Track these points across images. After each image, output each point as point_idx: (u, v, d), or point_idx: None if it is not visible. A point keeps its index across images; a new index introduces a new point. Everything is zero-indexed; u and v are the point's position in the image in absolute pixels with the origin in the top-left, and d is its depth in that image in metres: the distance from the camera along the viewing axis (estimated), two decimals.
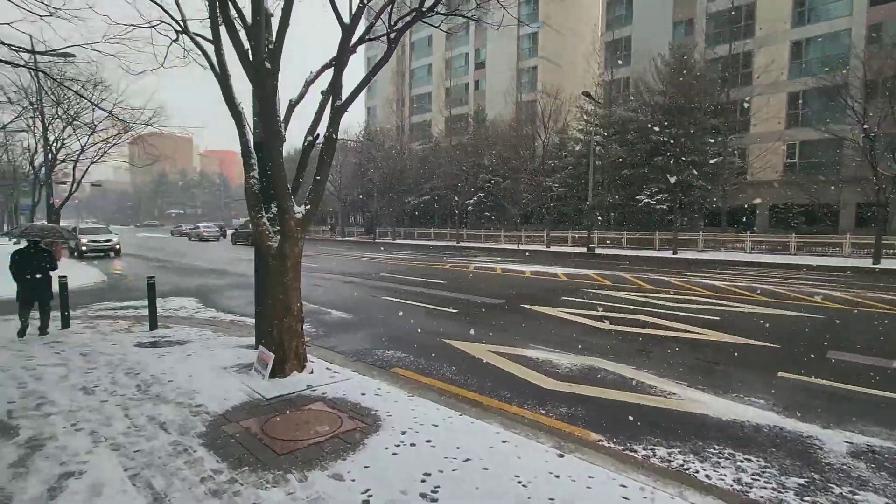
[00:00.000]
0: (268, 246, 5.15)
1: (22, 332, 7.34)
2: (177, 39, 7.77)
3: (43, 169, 21.01)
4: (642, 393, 5.19)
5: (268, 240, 5.18)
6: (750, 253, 24.24)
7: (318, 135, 5.77)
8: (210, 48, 5.81)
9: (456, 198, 36.38)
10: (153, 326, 7.97)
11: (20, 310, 7.41)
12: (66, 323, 7.98)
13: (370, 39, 6.26)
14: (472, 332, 7.99)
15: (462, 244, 35.16)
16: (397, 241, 40.37)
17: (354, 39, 5.60)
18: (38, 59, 7.66)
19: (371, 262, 20.90)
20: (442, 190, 37.94)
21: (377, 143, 43.18)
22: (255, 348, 6.59)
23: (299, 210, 5.19)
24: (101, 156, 20.79)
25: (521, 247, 31.74)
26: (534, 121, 34.95)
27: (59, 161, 20.37)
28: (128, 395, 4.61)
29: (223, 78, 5.47)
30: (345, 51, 5.49)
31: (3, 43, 7.56)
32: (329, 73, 6.74)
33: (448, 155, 38.61)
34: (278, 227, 5.36)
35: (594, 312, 9.36)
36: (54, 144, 20.09)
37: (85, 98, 9.10)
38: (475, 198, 37.21)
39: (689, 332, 7.85)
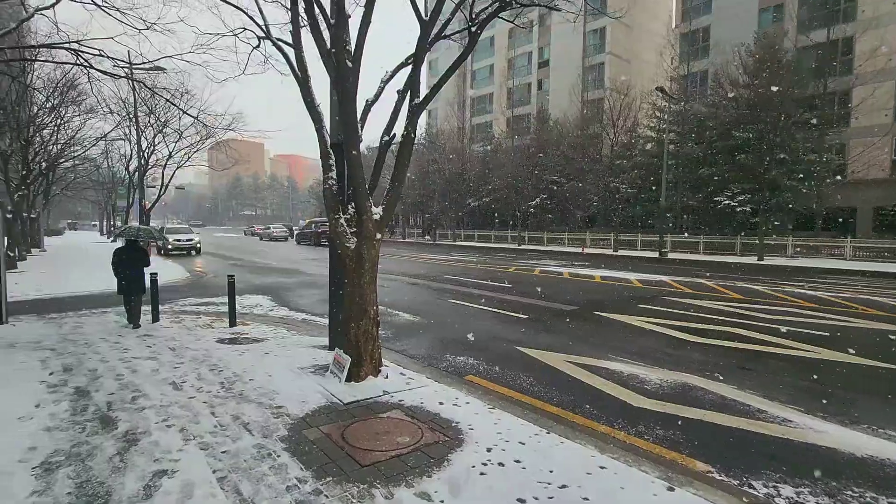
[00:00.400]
0: (345, 247, 5.09)
1: (134, 324, 8.09)
2: (258, 46, 8.01)
3: (136, 173, 22.89)
4: (750, 418, 4.60)
5: (345, 241, 5.11)
6: (851, 260, 21.78)
7: (394, 134, 5.66)
8: (291, 52, 5.90)
9: (517, 199, 35.77)
10: (232, 323, 8.26)
11: (125, 302, 8.17)
12: (155, 317, 8.47)
13: (447, 36, 6.08)
14: (545, 339, 7.60)
15: (523, 247, 34.49)
16: (457, 243, 40.33)
17: (432, 35, 5.44)
18: (135, 72, 8.13)
19: (433, 264, 20.89)
20: (502, 191, 37.45)
21: (438, 145, 43.40)
22: (328, 349, 6.61)
23: (377, 211, 5.08)
24: (186, 160, 22.31)
25: (587, 250, 30.58)
26: (601, 119, 33.64)
27: (149, 166, 22.09)
28: (213, 391, 4.69)
29: (303, 80, 5.50)
30: (423, 47, 5.33)
31: (107, 56, 8.17)
32: (403, 72, 6.66)
33: (509, 156, 38.06)
34: (355, 229, 5.29)
35: (679, 323, 8.64)
36: (146, 151, 21.80)
37: (175, 105, 9.66)
38: (537, 199, 36.37)
39: (794, 348, 6.99)
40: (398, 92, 6.02)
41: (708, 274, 17.35)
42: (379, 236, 5.10)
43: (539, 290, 12.84)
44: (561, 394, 5.27)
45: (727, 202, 25.76)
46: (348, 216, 5.41)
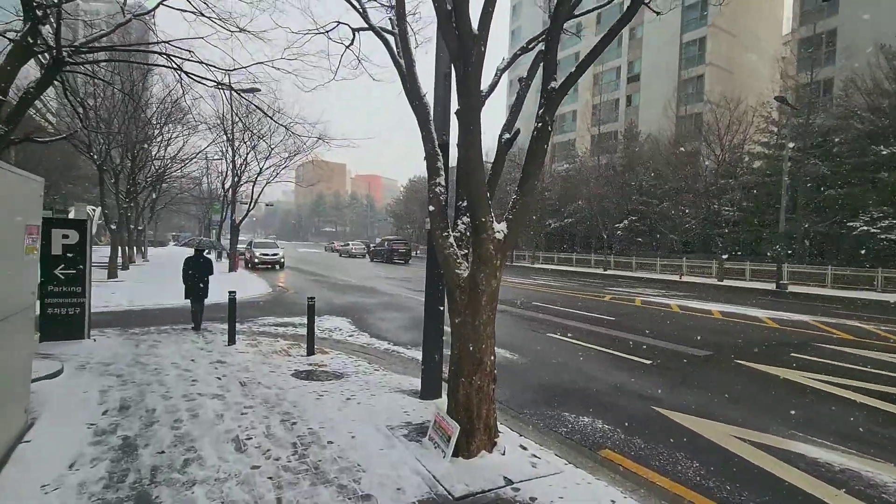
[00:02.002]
0: (454, 275, 3.87)
1: (196, 327, 9.06)
2: (352, 43, 7.26)
3: (230, 190, 23.80)
4: None
5: (455, 267, 3.90)
6: None
7: (517, 130, 4.42)
8: (391, 39, 4.94)
9: (603, 221, 33.31)
10: (310, 352, 7.37)
11: (192, 306, 9.13)
12: (232, 339, 7.80)
13: (593, 10, 4.79)
14: (689, 398, 5.87)
15: (609, 272, 31.84)
16: (535, 266, 38.37)
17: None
18: (227, 84, 7.67)
19: (517, 289, 19.36)
20: (586, 212, 35.15)
21: (517, 163, 42.03)
22: (420, 397, 5.41)
23: (499, 228, 3.82)
24: (275, 176, 22.81)
25: (685, 278, 27.44)
26: (700, 135, 30.54)
27: (241, 182, 22.84)
28: (283, 459, 3.60)
29: (408, 66, 4.46)
30: (560, 18, 4.06)
31: (200, 62, 7.80)
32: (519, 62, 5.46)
33: (594, 175, 35.76)
34: (466, 250, 4.08)
35: (866, 385, 6.48)
36: (239, 168, 22.56)
37: (268, 116, 9.22)
38: (625, 221, 33.66)
39: None
40: (520, 80, 4.81)
41: (849, 311, 14.25)
42: (501, 261, 3.83)
43: (650, 326, 10.91)
44: (752, 494, 3.61)
45: (866, 228, 21.81)
46: (458, 234, 4.20)
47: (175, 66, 7.28)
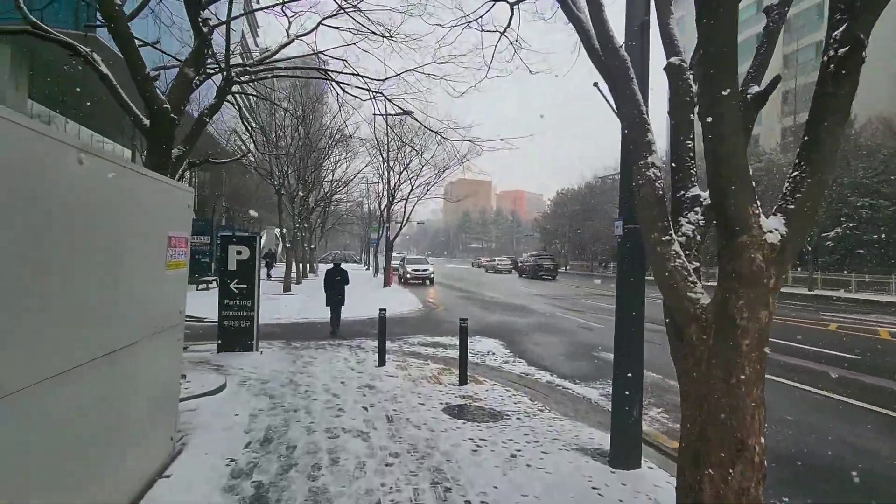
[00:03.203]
0: (688, 301, 2.47)
1: (333, 329, 10.32)
2: (508, 26, 6.33)
3: (385, 209, 25.04)
4: None
5: (686, 287, 2.50)
6: None
7: (776, 78, 2.86)
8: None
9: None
10: (462, 381, 6.44)
11: (331, 312, 10.40)
12: (382, 360, 7.30)
13: None
14: None
15: (816, 292, 25.51)
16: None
17: None
18: (381, 91, 7.34)
19: None
20: None
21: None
22: (606, 460, 3.99)
23: (771, 226, 2.31)
24: (425, 193, 23.29)
25: None
26: None
27: (395, 201, 23.83)
28: None
29: (595, 9, 3.24)
30: None
31: (355, 73, 7.66)
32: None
33: (784, 174, 29.37)
34: (696, 263, 2.64)
35: None
36: (394, 188, 23.58)
37: (419, 123, 8.79)
38: (836, 230, 26.82)
39: None
40: (768, 10, 3.21)
41: None
42: (775, 281, 2.31)
43: None
44: None
45: None
46: (683, 237, 2.78)
47: (330, 77, 7.18)
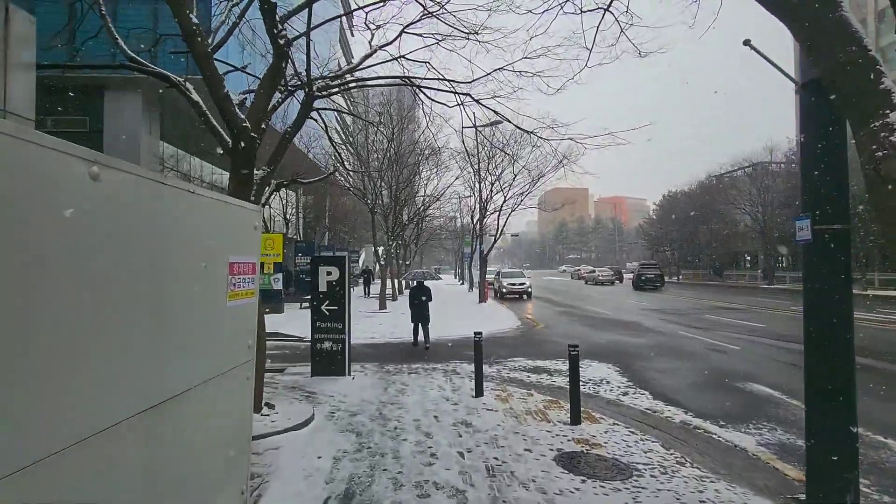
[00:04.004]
0: None
1: (415, 343, 10.68)
2: (611, 4, 5.36)
3: (478, 223, 24.47)
4: None
5: None
6: None
7: None
8: None
9: None
10: (575, 420, 5.41)
11: (413, 328, 10.70)
12: (479, 390, 6.51)
13: None
14: None
15: None
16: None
17: None
18: (469, 93, 6.71)
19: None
20: None
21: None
22: None
23: None
24: (519, 204, 22.33)
25: None
26: None
27: (488, 213, 23.16)
28: None
29: None
30: None
31: (440, 77, 7.13)
32: None
33: None
34: None
35: None
36: (486, 200, 22.95)
37: (518, 127, 8.03)
38: None
39: None
40: None
41: None
42: None
43: None
44: None
45: None
46: None
47: (414, 84, 6.71)
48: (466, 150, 18.78)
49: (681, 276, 47.97)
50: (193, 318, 2.53)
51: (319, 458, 4.22)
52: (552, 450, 4.65)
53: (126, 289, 1.99)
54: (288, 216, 21.24)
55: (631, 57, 7.64)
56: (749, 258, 44.61)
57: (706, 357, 9.51)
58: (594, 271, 47.05)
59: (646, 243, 58.14)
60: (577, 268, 66.80)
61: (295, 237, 23.06)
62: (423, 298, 10.32)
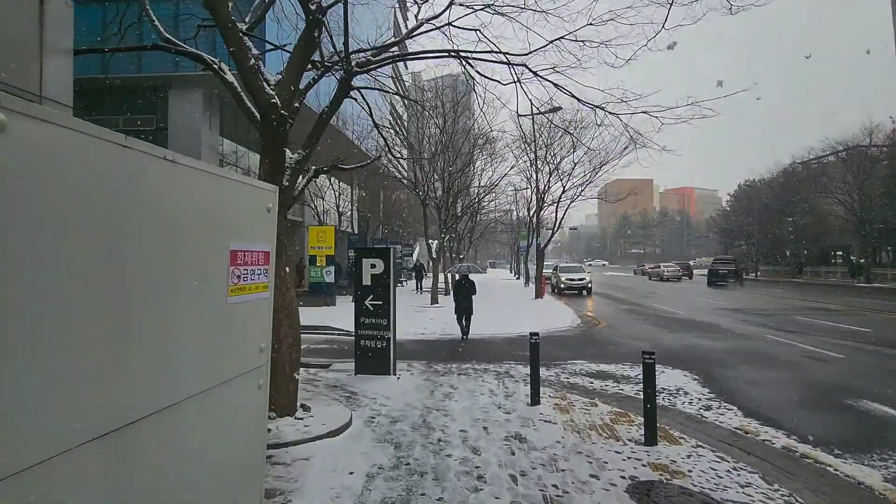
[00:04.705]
0: None
1: (463, 336, 10.76)
2: None
3: (534, 215, 23.42)
4: None
5: None
6: None
7: None
8: None
9: None
10: (650, 440, 4.59)
11: (457, 319, 10.79)
12: (535, 398, 5.80)
13: None
14: None
15: None
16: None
17: None
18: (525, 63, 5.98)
19: None
20: None
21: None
22: None
23: None
24: (579, 194, 21.08)
25: None
26: None
27: (546, 204, 22.08)
28: None
29: None
30: None
31: (492, 50, 6.43)
32: None
33: None
34: None
35: None
36: (543, 190, 21.85)
37: (580, 101, 7.20)
38: None
39: None
40: None
41: None
42: None
43: None
44: None
45: None
46: None
47: (464, 57, 6.06)
48: (523, 133, 17.83)
49: (759, 273, 44.04)
50: (176, 318, 2.05)
51: (351, 473, 3.72)
52: (624, 477, 3.88)
53: (72, 277, 1.52)
54: (341, 209, 21.32)
55: (718, 15, 6.55)
56: (840, 254, 40.04)
57: (803, 367, 8.18)
58: (658, 266, 44.21)
59: (718, 237, 54.02)
60: (644, 264, 63.17)
61: (348, 230, 23.16)
62: (466, 287, 10.61)
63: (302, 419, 4.67)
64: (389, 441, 4.46)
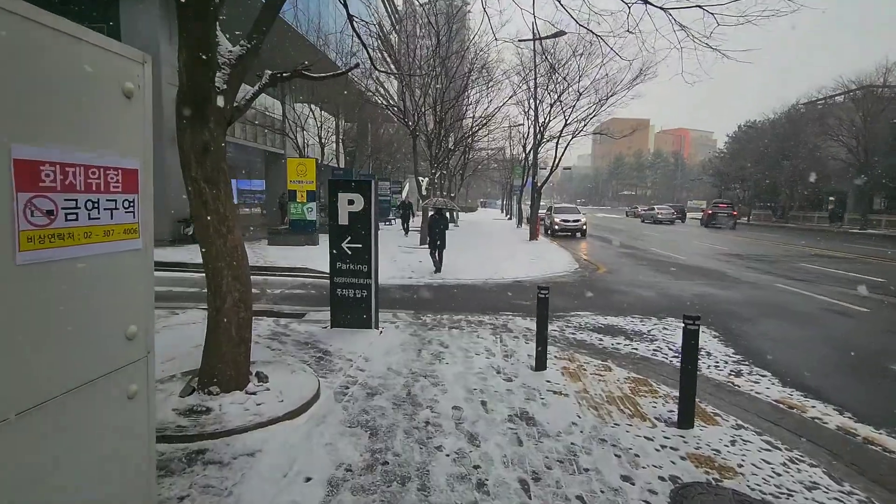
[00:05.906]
0: None
1: (436, 269, 10.96)
2: None
3: (531, 152, 21.93)
4: None
5: None
6: None
7: None
8: None
9: None
10: (685, 422, 3.73)
11: (430, 252, 11.07)
12: (541, 363, 4.91)
13: None
14: None
15: None
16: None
17: None
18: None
19: None
20: None
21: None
22: None
23: None
24: (581, 130, 19.59)
25: None
26: None
27: (545, 140, 20.58)
28: None
29: None
30: None
31: None
32: None
33: None
34: None
35: None
36: (542, 124, 20.25)
37: (599, 40, 5.79)
38: None
39: None
40: None
41: None
42: None
43: None
44: None
45: None
46: None
47: None
48: (521, 63, 16.11)
49: (751, 217, 43.54)
50: None
51: (308, 481, 2.79)
52: (663, 478, 3.03)
53: None
54: (324, 140, 19.61)
55: None
56: (832, 198, 39.31)
57: (828, 322, 7.43)
58: (653, 209, 43.31)
59: (712, 180, 52.91)
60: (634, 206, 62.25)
61: (332, 165, 21.54)
62: (442, 227, 10.86)
63: (255, 394, 3.70)
64: (364, 425, 3.53)
